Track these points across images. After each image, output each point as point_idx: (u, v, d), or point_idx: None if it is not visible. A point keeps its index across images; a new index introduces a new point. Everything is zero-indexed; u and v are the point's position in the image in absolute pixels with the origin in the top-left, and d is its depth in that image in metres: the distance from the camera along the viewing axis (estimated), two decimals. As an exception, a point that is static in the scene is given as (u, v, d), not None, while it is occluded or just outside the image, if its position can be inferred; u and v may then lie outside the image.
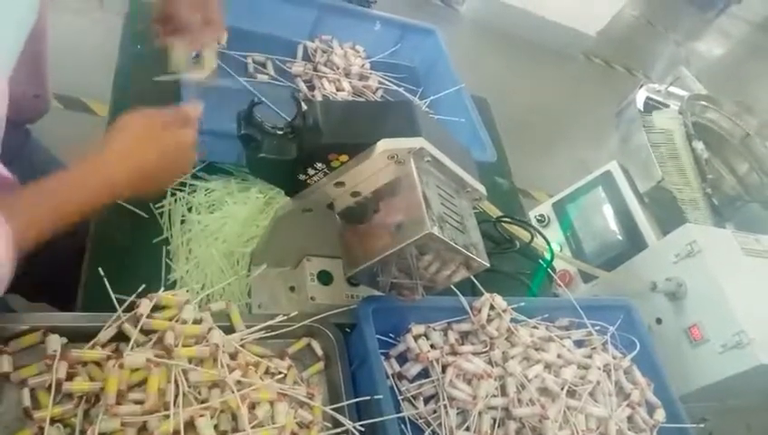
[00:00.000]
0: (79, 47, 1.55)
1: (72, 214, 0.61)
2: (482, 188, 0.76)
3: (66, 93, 2.06)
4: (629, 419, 0.90)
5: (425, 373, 0.81)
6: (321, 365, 0.77)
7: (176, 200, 0.88)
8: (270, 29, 1.15)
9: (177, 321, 0.66)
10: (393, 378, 0.80)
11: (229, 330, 0.71)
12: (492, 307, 0.86)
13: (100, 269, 0.70)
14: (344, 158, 0.67)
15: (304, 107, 0.67)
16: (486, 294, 0.87)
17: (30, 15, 0.60)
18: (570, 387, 0.84)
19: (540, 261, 1.15)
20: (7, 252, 0.54)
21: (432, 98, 1.22)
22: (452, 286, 0.79)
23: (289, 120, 0.69)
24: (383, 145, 0.65)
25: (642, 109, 1.66)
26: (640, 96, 1.71)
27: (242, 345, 0.70)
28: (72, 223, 0.61)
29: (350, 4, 1.32)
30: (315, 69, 1.13)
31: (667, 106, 1.74)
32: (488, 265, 0.71)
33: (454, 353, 0.83)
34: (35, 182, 0.60)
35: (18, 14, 0.58)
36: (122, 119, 0.68)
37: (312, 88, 1.11)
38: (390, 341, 0.84)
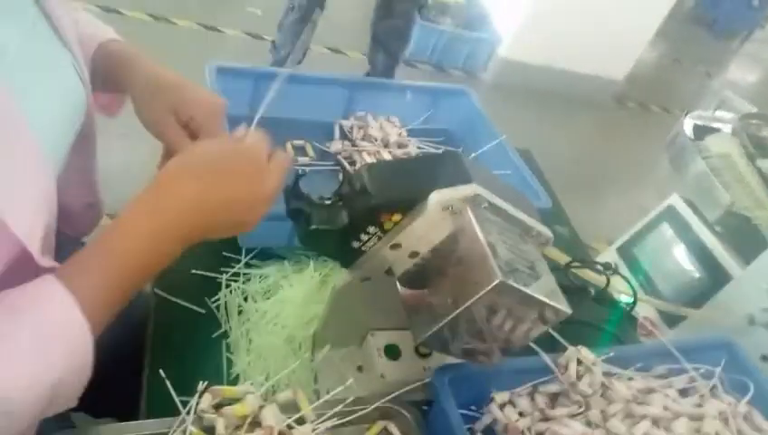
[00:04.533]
0: (127, 168, 1.64)
1: (141, 275, 0.53)
2: (547, 231, 0.71)
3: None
4: (763, 471, 0.78)
5: (517, 445, 0.73)
6: (402, 449, 0.70)
7: (231, 291, 0.86)
8: (305, 114, 1.17)
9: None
10: (483, 454, 0.72)
11: (299, 421, 0.66)
12: (579, 362, 0.78)
13: (161, 372, 0.67)
14: (397, 217, 0.64)
15: (350, 171, 0.65)
16: (572, 348, 0.79)
17: (77, 114, 0.61)
18: (686, 442, 0.74)
19: (621, 305, 1.06)
20: (87, 347, 0.47)
21: (475, 154, 1.20)
22: (531, 344, 0.72)
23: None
24: (436, 197, 0.61)
25: (693, 136, 1.59)
26: (687, 124, 1.65)
27: (315, 435, 0.64)
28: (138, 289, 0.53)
29: (378, 79, 1.34)
30: (353, 144, 1.14)
31: (717, 130, 1.67)
32: (570, 311, 0.64)
33: (546, 419, 0.74)
34: (93, 244, 0.51)
35: (64, 108, 0.59)
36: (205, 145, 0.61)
37: (352, 163, 1.11)
38: (472, 414, 0.77)
